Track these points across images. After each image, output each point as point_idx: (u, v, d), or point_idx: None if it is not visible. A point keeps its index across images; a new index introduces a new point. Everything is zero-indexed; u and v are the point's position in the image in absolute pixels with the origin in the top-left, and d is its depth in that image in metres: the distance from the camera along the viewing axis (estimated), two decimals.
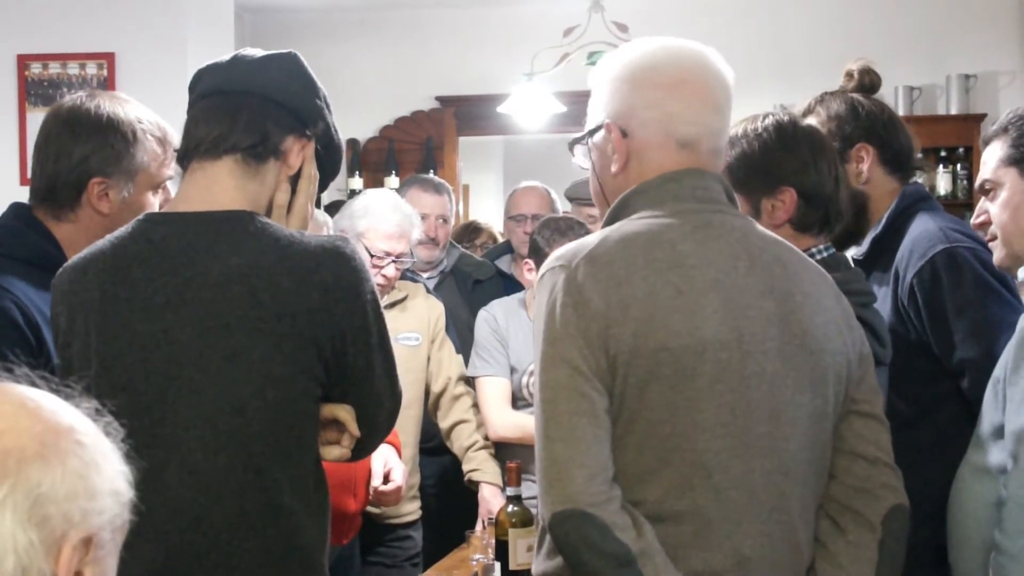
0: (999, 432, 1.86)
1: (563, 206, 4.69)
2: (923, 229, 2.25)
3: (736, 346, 1.63)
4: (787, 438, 1.66)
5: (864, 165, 2.33)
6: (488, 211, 7.90)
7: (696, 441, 1.61)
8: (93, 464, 0.99)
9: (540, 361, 1.63)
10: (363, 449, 1.90)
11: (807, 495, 1.70)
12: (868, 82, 2.40)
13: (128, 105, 2.18)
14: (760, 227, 1.80)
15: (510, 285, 4.12)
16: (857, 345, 1.77)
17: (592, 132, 1.81)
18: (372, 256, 3.21)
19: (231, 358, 1.70)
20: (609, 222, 1.75)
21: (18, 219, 2.14)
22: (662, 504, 1.62)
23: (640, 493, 1.62)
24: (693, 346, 1.60)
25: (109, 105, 2.16)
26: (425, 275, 3.98)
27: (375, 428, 1.85)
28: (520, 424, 3.31)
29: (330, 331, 1.73)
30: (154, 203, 2.14)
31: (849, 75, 2.42)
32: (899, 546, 1.74)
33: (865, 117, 2.34)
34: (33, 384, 1.03)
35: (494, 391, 3.47)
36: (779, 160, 2.09)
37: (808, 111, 2.39)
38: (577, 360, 1.60)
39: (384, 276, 3.23)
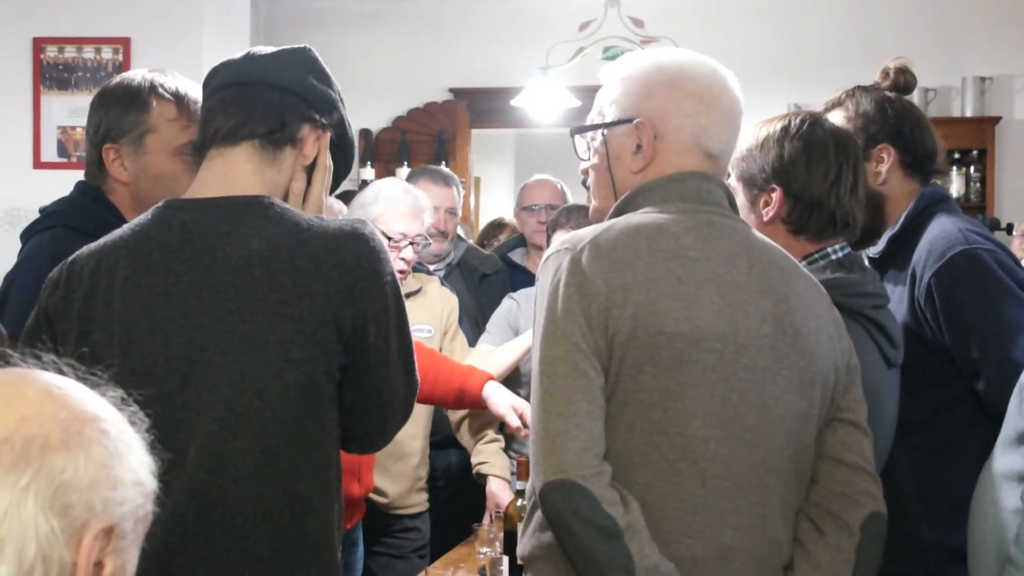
0: (1022, 439, 1.85)
1: (573, 197, 4.69)
2: (942, 230, 2.23)
3: (731, 338, 1.66)
4: (773, 433, 1.69)
5: (883, 167, 2.30)
6: (500, 204, 7.89)
7: (686, 427, 1.64)
8: (117, 454, 0.98)
9: (540, 337, 1.67)
10: (377, 437, 1.90)
11: (788, 493, 1.73)
12: (903, 82, 2.36)
13: (151, 73, 2.18)
14: (758, 233, 1.83)
15: (522, 277, 4.11)
16: (846, 355, 1.80)
17: (612, 124, 1.82)
18: (389, 239, 3.14)
19: (252, 341, 1.71)
20: (614, 216, 1.78)
21: (83, 195, 2.19)
22: (649, 487, 1.64)
23: (628, 475, 1.64)
24: (689, 333, 1.64)
25: (131, 75, 2.19)
26: (432, 268, 3.96)
27: (390, 414, 1.85)
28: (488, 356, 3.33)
29: (351, 311, 1.73)
30: (180, 170, 2.11)
31: (885, 73, 2.37)
32: (876, 550, 1.77)
33: (892, 118, 2.30)
34: (60, 372, 1.03)
35: (479, 348, 3.47)
36: (769, 156, 2.07)
37: (836, 103, 2.35)
38: (577, 337, 1.63)
39: (403, 259, 3.18)
